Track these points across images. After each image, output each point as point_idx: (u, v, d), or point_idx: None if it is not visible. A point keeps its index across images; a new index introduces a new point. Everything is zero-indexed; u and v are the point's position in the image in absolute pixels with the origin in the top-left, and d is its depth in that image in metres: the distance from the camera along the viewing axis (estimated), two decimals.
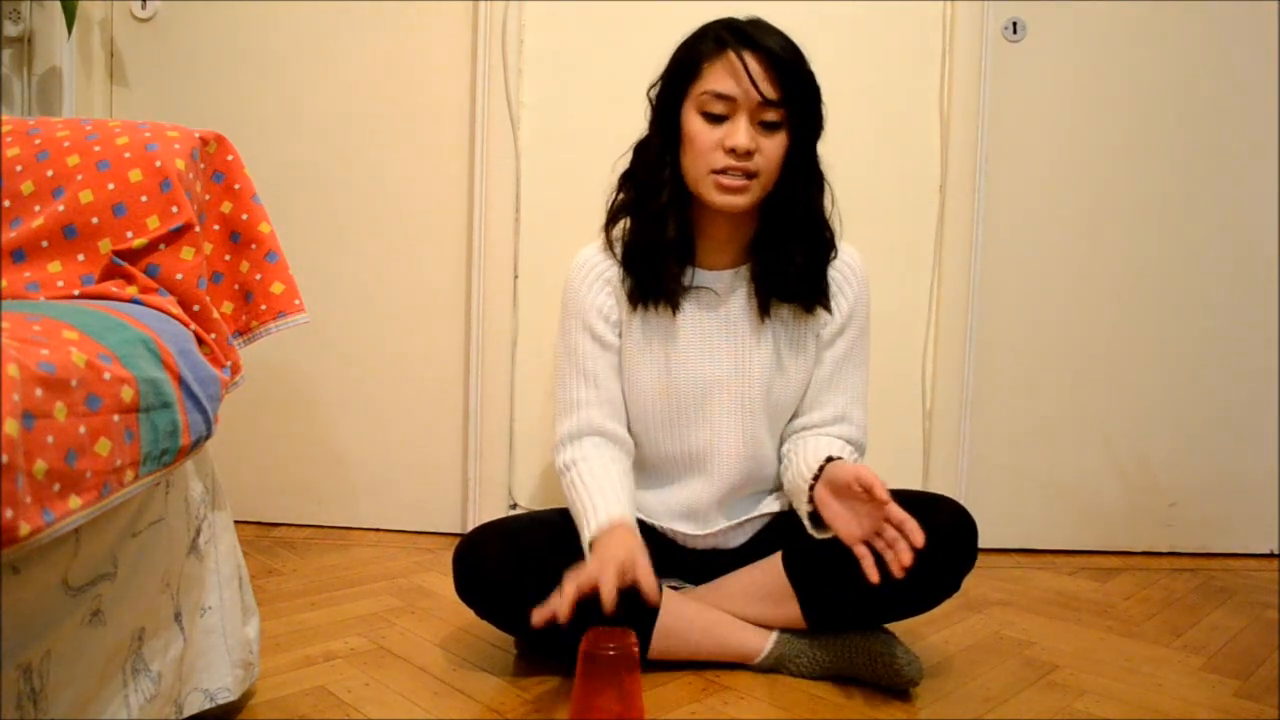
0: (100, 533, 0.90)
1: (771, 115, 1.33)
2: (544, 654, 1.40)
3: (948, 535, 1.35)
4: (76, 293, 1.08)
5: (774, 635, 1.39)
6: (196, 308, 1.13)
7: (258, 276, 1.25)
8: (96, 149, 1.15)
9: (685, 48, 1.38)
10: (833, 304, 1.44)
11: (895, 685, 1.33)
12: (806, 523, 1.35)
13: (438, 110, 2.02)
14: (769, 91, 1.31)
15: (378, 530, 2.08)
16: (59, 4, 1.86)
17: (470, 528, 1.67)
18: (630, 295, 1.42)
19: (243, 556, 1.24)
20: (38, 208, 1.12)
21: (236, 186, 1.25)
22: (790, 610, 1.38)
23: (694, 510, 1.46)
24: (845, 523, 1.27)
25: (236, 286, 1.25)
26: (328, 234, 2.04)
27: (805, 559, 1.37)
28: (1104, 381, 2.09)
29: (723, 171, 1.33)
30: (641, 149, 1.43)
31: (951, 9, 1.98)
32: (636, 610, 1.34)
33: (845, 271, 1.45)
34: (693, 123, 1.35)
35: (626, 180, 1.44)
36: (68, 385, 0.78)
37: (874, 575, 1.23)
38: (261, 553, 1.89)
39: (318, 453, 2.09)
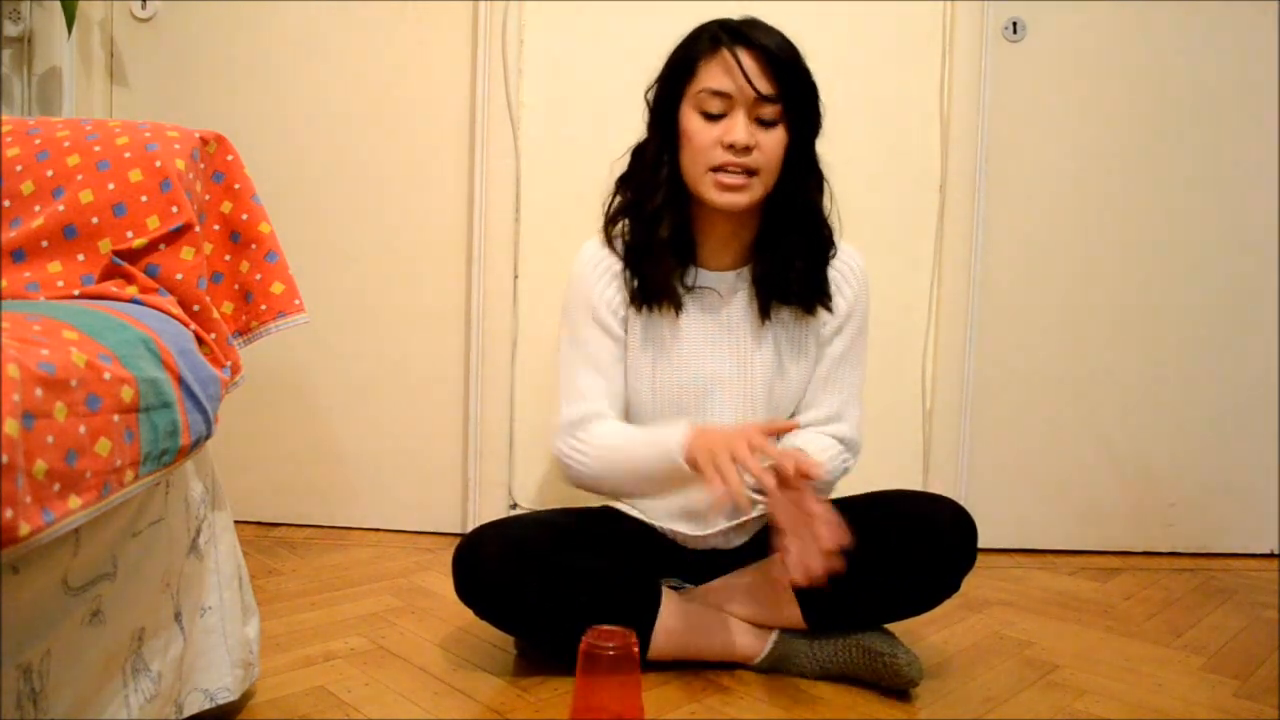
0: (100, 533, 0.90)
1: (768, 111, 1.33)
2: (544, 654, 1.40)
3: (948, 535, 1.35)
4: (76, 293, 1.08)
5: (774, 635, 1.39)
6: (196, 308, 1.13)
7: (258, 276, 1.25)
8: (96, 149, 1.15)
9: (681, 48, 1.39)
10: (831, 303, 1.44)
11: (895, 685, 1.33)
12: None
13: (438, 110, 2.02)
14: (764, 87, 1.31)
15: (378, 530, 2.08)
16: (59, 4, 1.86)
17: (470, 528, 1.67)
18: (633, 296, 1.42)
19: (243, 556, 1.24)
20: (38, 208, 1.12)
21: (236, 186, 1.25)
22: (790, 610, 1.38)
23: (694, 511, 1.46)
24: (780, 511, 1.25)
25: (236, 286, 1.25)
26: (327, 234, 2.04)
27: None
28: (1104, 381, 2.09)
29: (722, 169, 1.33)
30: (639, 151, 1.44)
31: (951, 9, 1.98)
32: (636, 610, 1.34)
33: (844, 270, 1.45)
34: (690, 121, 1.35)
35: (624, 183, 1.44)
36: (68, 385, 0.78)
37: (796, 575, 1.22)
38: (261, 553, 1.89)
39: (318, 453, 2.09)
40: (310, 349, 2.04)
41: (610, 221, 1.44)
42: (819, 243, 1.42)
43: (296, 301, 1.26)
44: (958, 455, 2.04)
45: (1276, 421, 2.10)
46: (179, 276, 1.12)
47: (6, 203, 1.12)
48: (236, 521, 1.25)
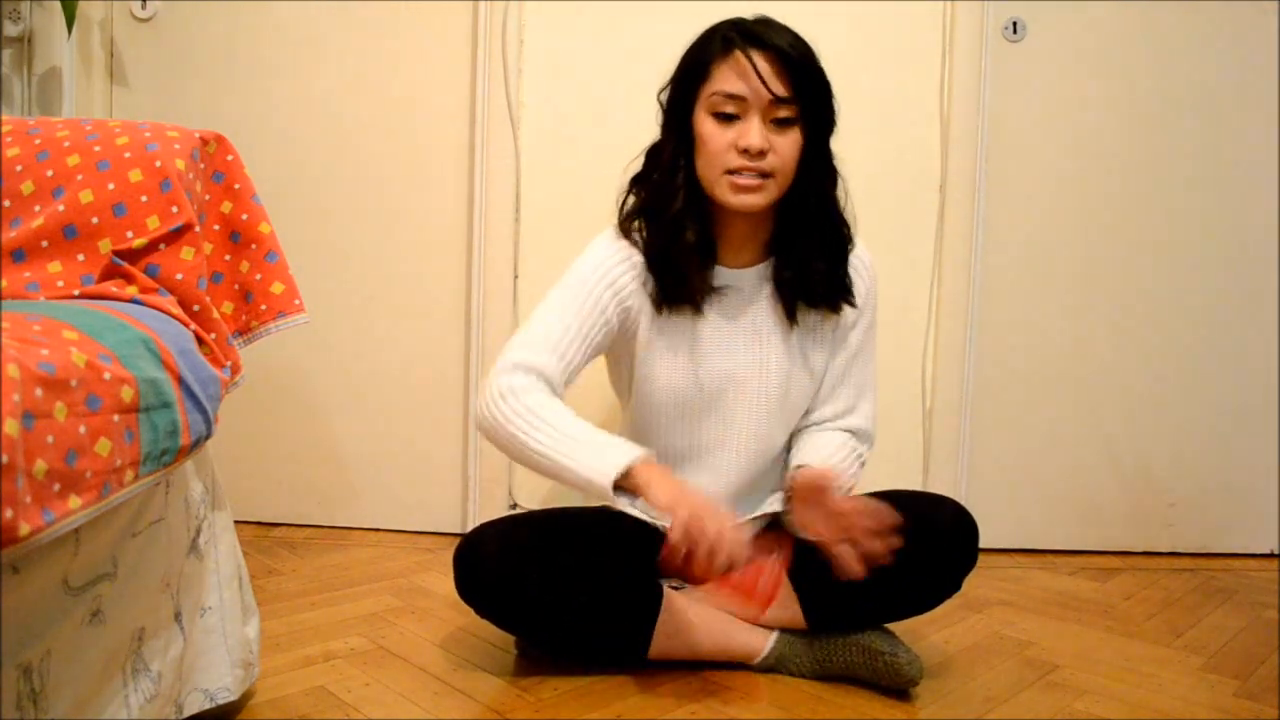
0: (100, 533, 0.90)
1: (783, 113, 1.32)
2: (544, 654, 1.40)
3: (948, 535, 1.35)
4: (76, 293, 1.08)
5: (774, 635, 1.39)
6: (196, 308, 1.13)
7: (258, 276, 1.25)
8: (96, 149, 1.15)
9: (693, 50, 1.37)
10: (854, 299, 1.44)
11: (895, 685, 1.33)
12: (795, 527, 1.36)
13: (437, 110, 2.02)
14: (779, 89, 1.30)
15: (377, 530, 2.08)
16: (59, 4, 1.86)
17: (470, 528, 1.67)
18: (653, 298, 1.40)
19: (243, 556, 1.24)
20: (38, 208, 1.12)
21: (236, 186, 1.25)
22: (790, 610, 1.38)
23: None
24: (815, 527, 1.29)
25: (236, 286, 1.25)
26: (327, 234, 2.04)
27: (805, 559, 1.37)
28: (1104, 381, 2.09)
29: (736, 172, 1.32)
30: (654, 153, 1.42)
31: (951, 9, 1.98)
32: (636, 610, 1.34)
33: (857, 265, 1.45)
34: (705, 125, 1.34)
35: (638, 183, 1.43)
36: (68, 385, 0.78)
37: (852, 571, 1.24)
38: (261, 553, 1.89)
39: (318, 453, 2.09)
40: (310, 349, 2.04)
41: (627, 219, 1.42)
42: (838, 241, 1.41)
43: (296, 301, 1.26)
44: (958, 455, 2.04)
45: (1276, 421, 2.10)
46: (179, 276, 1.12)
47: (6, 203, 1.12)
48: (236, 521, 1.25)
